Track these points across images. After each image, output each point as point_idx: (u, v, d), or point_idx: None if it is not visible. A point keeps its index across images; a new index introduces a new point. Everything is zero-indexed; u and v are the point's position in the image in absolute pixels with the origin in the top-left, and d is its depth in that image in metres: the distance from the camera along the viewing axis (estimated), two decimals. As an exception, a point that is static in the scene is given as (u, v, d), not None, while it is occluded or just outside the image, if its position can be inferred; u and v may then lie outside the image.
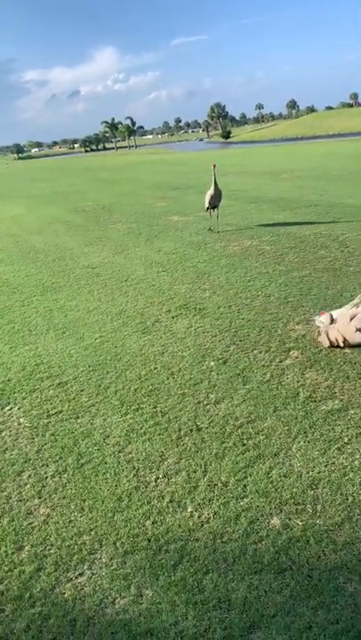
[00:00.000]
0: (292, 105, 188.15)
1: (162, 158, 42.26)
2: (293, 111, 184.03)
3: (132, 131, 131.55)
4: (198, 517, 2.57)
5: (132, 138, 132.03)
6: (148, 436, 3.28)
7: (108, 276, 7.05)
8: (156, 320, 5.24)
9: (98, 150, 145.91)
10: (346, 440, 3.02)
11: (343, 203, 10.63)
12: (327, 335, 4.10)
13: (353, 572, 2.17)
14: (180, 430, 3.30)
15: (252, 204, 11.65)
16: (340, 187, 13.18)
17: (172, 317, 5.26)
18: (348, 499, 2.57)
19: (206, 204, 9.33)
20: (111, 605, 2.17)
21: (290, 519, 2.49)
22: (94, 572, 2.34)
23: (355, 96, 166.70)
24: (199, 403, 3.60)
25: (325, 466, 2.83)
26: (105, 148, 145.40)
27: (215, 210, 9.31)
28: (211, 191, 9.13)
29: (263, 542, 2.38)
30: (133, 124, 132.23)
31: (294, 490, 2.67)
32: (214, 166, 9.09)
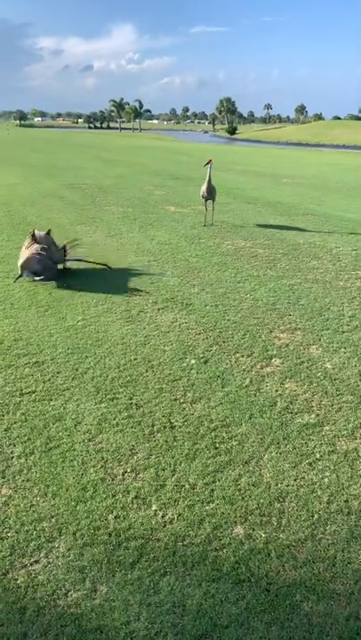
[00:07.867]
0: (301, 110, 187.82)
1: (165, 145, 41.83)
2: (301, 116, 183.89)
3: (139, 113, 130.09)
4: (162, 517, 2.54)
5: (137, 120, 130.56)
6: (121, 428, 3.23)
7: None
8: (141, 310, 5.17)
9: (102, 128, 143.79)
10: (318, 456, 3.02)
11: (340, 216, 10.65)
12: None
13: (310, 591, 2.16)
14: (153, 426, 3.26)
15: (250, 205, 11.61)
16: (339, 199, 13.21)
17: (158, 309, 5.19)
18: (313, 516, 2.56)
19: (201, 193, 9.40)
20: (64, 597, 2.12)
21: (253, 530, 2.47)
22: (50, 560, 2.29)
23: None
24: (175, 400, 3.56)
25: (295, 480, 2.82)
26: (109, 127, 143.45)
27: (211, 204, 9.29)
28: (204, 185, 9.17)
29: (224, 550, 2.35)
30: (141, 106, 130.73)
31: (261, 500, 2.65)
32: (210, 161, 9.13)
